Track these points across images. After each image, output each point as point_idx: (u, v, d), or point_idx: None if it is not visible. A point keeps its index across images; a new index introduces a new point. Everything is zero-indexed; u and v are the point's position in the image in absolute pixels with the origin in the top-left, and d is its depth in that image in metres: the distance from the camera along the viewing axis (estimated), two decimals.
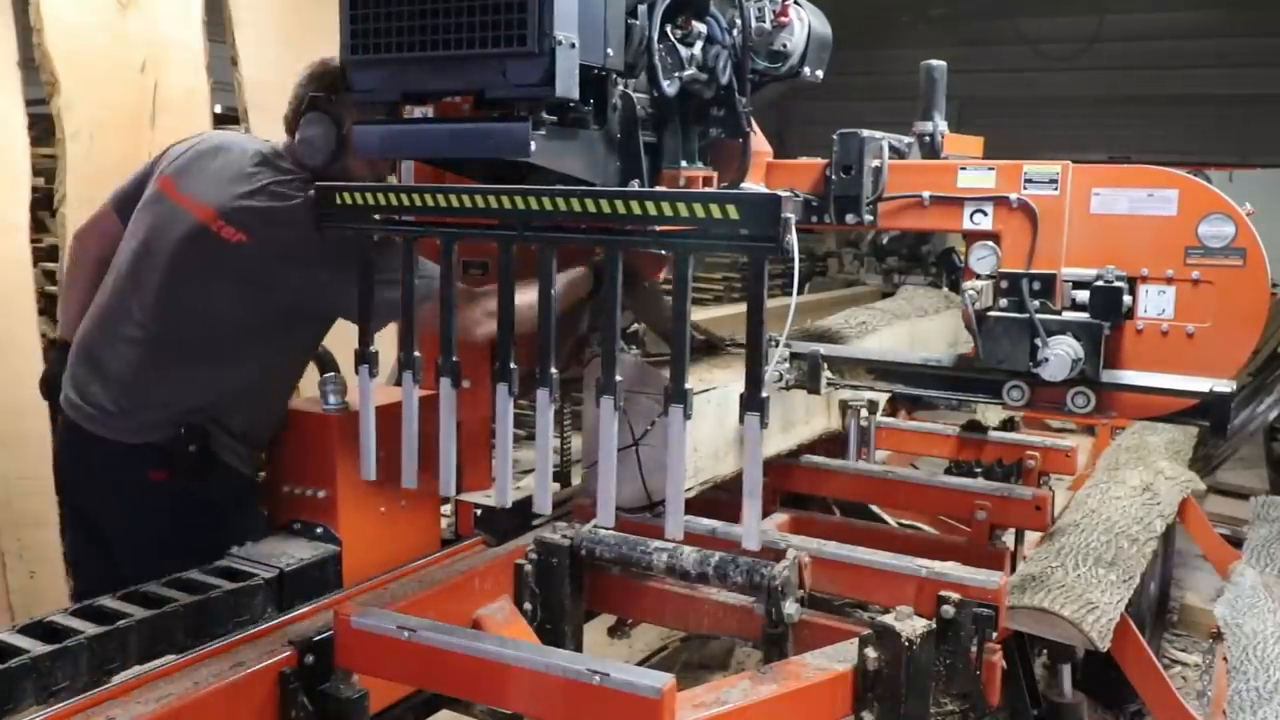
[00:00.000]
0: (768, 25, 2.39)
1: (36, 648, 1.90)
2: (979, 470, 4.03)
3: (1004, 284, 2.42)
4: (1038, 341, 2.35)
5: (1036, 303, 2.39)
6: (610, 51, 1.98)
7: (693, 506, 2.63)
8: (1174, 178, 2.37)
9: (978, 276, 2.45)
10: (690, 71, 2.19)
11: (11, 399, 4.15)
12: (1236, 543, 3.75)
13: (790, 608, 2.20)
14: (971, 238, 2.49)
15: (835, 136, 2.52)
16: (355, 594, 2.31)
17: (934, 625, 2.08)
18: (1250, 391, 6.51)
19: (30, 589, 4.05)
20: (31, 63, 4.45)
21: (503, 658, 1.82)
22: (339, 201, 2.14)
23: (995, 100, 11.64)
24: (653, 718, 1.68)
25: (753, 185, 2.53)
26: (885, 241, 10.53)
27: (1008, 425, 4.09)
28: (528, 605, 2.42)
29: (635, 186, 2.13)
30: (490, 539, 2.73)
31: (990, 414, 3.86)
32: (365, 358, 2.18)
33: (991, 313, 2.42)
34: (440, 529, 2.80)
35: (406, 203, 2.05)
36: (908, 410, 4.44)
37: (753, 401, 1.85)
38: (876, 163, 2.52)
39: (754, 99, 2.38)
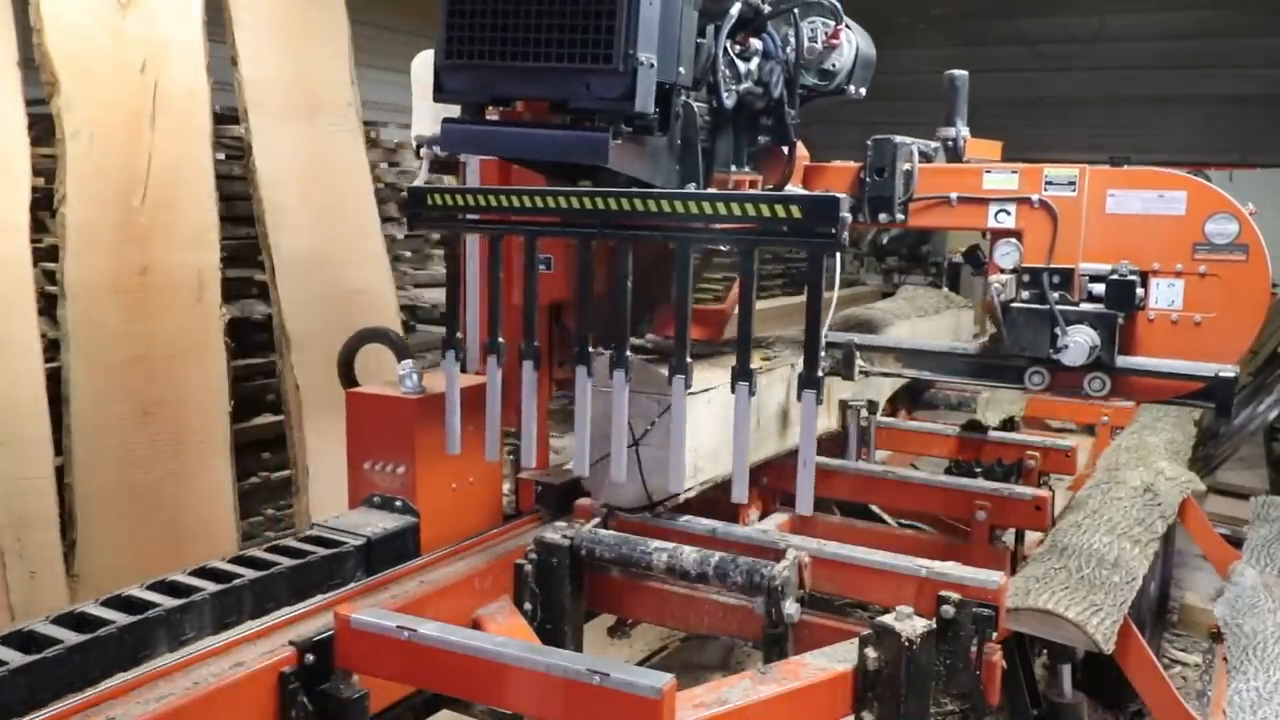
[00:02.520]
0: (819, 45, 2.63)
1: (167, 601, 2.16)
2: (979, 470, 4.02)
3: (1026, 277, 2.67)
4: (1057, 330, 2.59)
5: (1056, 295, 2.63)
6: (682, 70, 2.16)
7: (693, 506, 2.64)
8: (1183, 180, 2.60)
9: (1001, 271, 2.68)
10: (747, 85, 2.41)
11: (11, 399, 4.15)
12: (1236, 543, 3.75)
13: (790, 608, 2.20)
14: (995, 235, 2.71)
15: (870, 142, 2.76)
16: (355, 593, 2.31)
17: (934, 625, 2.08)
18: (1250, 391, 6.51)
19: (30, 589, 4.05)
20: (31, 63, 4.45)
21: (503, 658, 1.82)
22: (430, 202, 2.30)
23: (995, 100, 11.61)
24: (653, 718, 1.68)
25: (793, 188, 2.73)
26: (885, 242, 10.55)
27: (1008, 425, 4.08)
28: (528, 605, 2.42)
29: (692, 189, 2.30)
30: (546, 514, 2.87)
31: (990, 414, 3.86)
32: (452, 344, 2.35)
33: (1015, 304, 2.67)
34: (502, 504, 2.96)
35: (495, 203, 2.21)
36: (908, 410, 4.43)
37: (810, 380, 2.05)
38: (907, 166, 2.76)
39: (801, 111, 2.60)
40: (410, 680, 2.11)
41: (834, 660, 2.04)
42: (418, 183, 2.83)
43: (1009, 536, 3.15)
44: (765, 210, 2.01)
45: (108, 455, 4.49)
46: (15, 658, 1.89)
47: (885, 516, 3.56)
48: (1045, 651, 3.06)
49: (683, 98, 2.24)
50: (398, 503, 2.66)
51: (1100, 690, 3.43)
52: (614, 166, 2.10)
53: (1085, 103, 12.34)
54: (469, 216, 2.28)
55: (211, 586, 2.22)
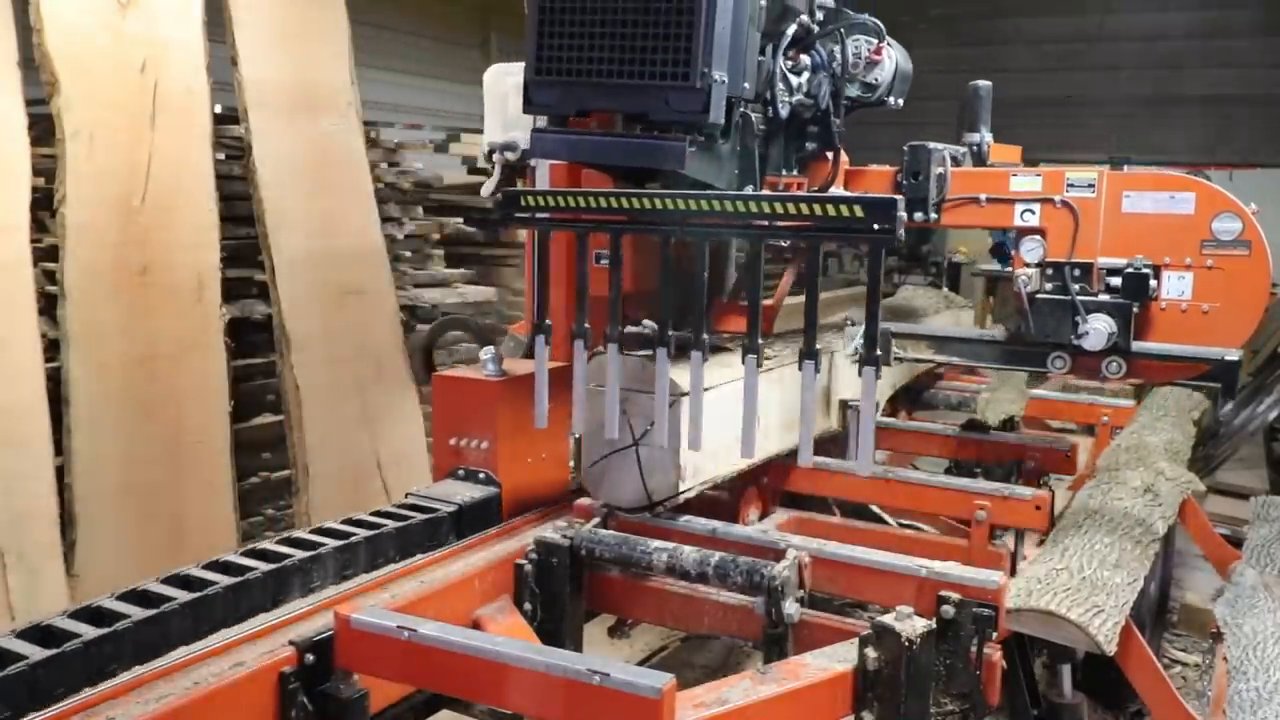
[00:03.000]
0: (863, 61, 2.92)
1: (297, 554, 2.43)
2: (979, 470, 4.02)
3: (1049, 271, 2.95)
4: (1078, 318, 2.88)
5: (1077, 286, 2.92)
6: (746, 85, 2.43)
7: (693, 506, 2.63)
8: (1191, 183, 2.88)
9: (1027, 265, 2.97)
10: (798, 97, 2.67)
11: (12, 399, 4.15)
12: (1236, 543, 3.75)
13: (790, 608, 2.20)
14: (1021, 233, 3.00)
15: (906, 148, 3.01)
16: (355, 593, 2.31)
17: (934, 625, 2.08)
18: (1250, 391, 6.51)
19: (30, 589, 4.05)
20: (31, 63, 4.45)
21: (503, 658, 1.82)
22: (523, 203, 2.52)
23: (995, 100, 11.63)
24: (653, 718, 1.68)
25: (836, 189, 2.98)
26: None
27: (1008, 425, 4.08)
28: (528, 605, 2.43)
29: (750, 190, 2.55)
30: None
31: (990, 414, 3.86)
32: (541, 329, 2.52)
33: (1039, 295, 2.95)
34: (569, 480, 3.17)
35: (584, 204, 2.44)
36: (908, 410, 4.43)
37: (870, 358, 2.29)
38: (940, 170, 3.00)
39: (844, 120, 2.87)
40: (410, 680, 2.11)
41: (834, 660, 2.04)
42: (489, 186, 3.22)
43: (1009, 536, 3.14)
44: (831, 210, 2.23)
45: (108, 455, 4.49)
46: (137, 612, 2.12)
47: (885, 516, 3.56)
48: (1045, 651, 3.06)
49: (742, 108, 2.47)
50: (481, 475, 2.92)
51: (1100, 690, 3.43)
52: (688, 172, 2.36)
53: (1085, 103, 12.35)
54: (541, 216, 2.52)
55: (332, 542, 2.49)
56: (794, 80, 2.65)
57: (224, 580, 2.29)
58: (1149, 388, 4.76)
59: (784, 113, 2.62)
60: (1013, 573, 2.78)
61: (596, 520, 2.60)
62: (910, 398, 4.44)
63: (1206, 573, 4.50)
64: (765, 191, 2.65)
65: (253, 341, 5.46)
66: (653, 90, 2.30)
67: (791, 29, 2.60)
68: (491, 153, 3.28)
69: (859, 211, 2.20)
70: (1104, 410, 4.24)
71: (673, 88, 2.28)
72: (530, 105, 2.52)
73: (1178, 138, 12.14)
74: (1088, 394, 4.69)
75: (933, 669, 2.06)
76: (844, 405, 3.35)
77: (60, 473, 4.32)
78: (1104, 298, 2.90)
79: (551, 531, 2.54)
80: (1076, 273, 2.94)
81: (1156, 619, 4.26)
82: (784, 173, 2.85)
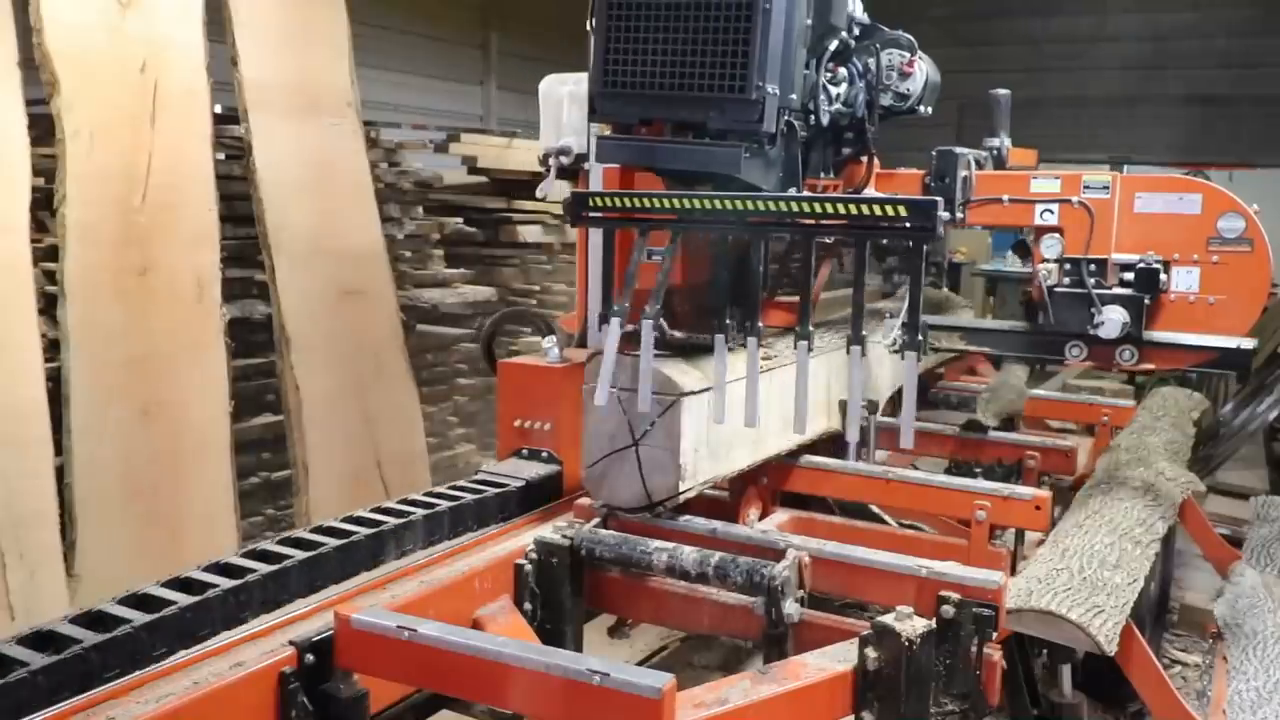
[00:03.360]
0: (896, 73, 3.13)
1: (391, 520, 2.64)
2: (979, 470, 4.02)
3: (1067, 266, 3.24)
4: (1094, 310, 3.17)
5: (1093, 280, 3.21)
6: (794, 96, 2.64)
7: (693, 506, 2.64)
8: (1198, 185, 3.20)
9: (1046, 260, 3.26)
10: (836, 106, 2.89)
11: (12, 399, 4.15)
12: (1236, 543, 3.75)
13: (790, 608, 2.20)
14: (1040, 231, 3.28)
15: (934, 152, 3.29)
16: (355, 593, 2.31)
17: (934, 625, 2.07)
18: (1250, 391, 6.51)
19: (30, 589, 4.05)
20: (31, 63, 4.45)
21: (503, 658, 1.82)
22: (592, 203, 2.71)
23: None
24: (653, 718, 1.68)
25: (869, 191, 3.19)
26: (885, 241, 10.55)
27: (1007, 425, 4.08)
28: (528, 605, 2.43)
29: (793, 192, 2.73)
30: None
31: (990, 414, 3.85)
32: (614, 313, 2.64)
33: (1058, 289, 3.25)
34: None
35: (650, 204, 2.63)
36: None
37: (912, 342, 2.50)
38: (965, 173, 3.27)
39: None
40: (410, 680, 2.11)
41: (834, 660, 2.04)
42: (544, 187, 3.54)
43: (1009, 536, 3.14)
44: (878, 210, 2.43)
45: (108, 455, 4.49)
46: (182, 598, 2.17)
47: (885, 516, 3.56)
48: (1045, 651, 3.06)
49: (787, 117, 2.66)
50: (544, 454, 3.12)
51: (1100, 690, 3.43)
52: (741, 175, 2.56)
53: (1085, 103, 12.35)
54: (591, 214, 2.74)
55: (419, 511, 2.70)
56: (833, 91, 2.87)
57: (332, 542, 2.52)
58: (1149, 388, 4.77)
59: (824, 121, 2.84)
60: (1013, 573, 2.79)
61: (596, 520, 2.60)
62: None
63: (1206, 573, 4.50)
64: (807, 193, 2.83)
65: (253, 341, 5.46)
66: (712, 101, 2.53)
67: (833, 44, 2.84)
68: (546, 156, 3.52)
69: (903, 211, 2.40)
70: (1104, 410, 4.24)
71: (730, 99, 2.51)
72: (596, 114, 2.78)
73: (1177, 138, 12.14)
74: (1088, 394, 4.69)
75: (933, 669, 2.06)
76: (844, 405, 3.35)
77: (60, 473, 4.32)
78: (1118, 291, 3.18)
79: (551, 531, 2.54)
80: (1092, 268, 3.22)
81: (1156, 619, 4.26)
82: (822, 176, 3.07)
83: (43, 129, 4.47)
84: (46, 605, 4.06)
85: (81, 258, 4.46)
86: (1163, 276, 3.15)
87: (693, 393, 2.50)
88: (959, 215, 3.24)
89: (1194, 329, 3.18)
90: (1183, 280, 3.19)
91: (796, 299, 3.17)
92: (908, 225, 2.40)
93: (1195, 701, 3.53)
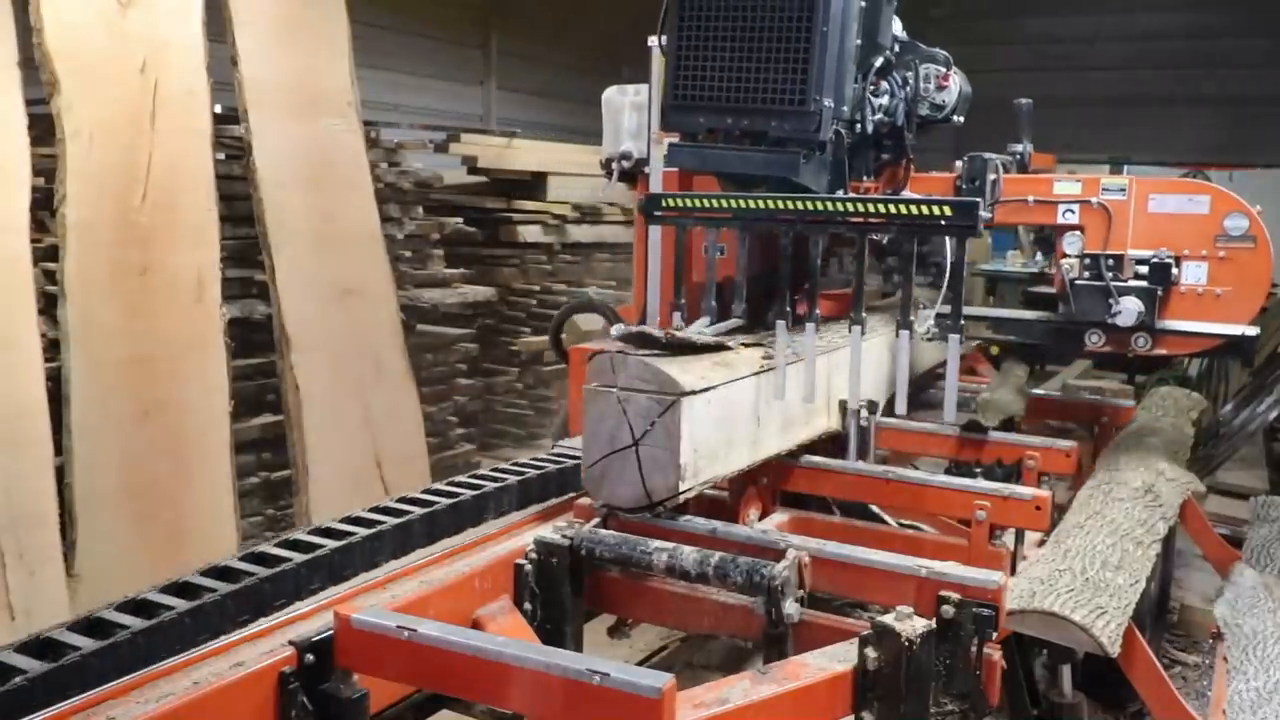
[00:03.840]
0: (933, 86, 3.45)
1: (489, 484, 2.98)
2: (979, 470, 4.02)
3: (1087, 261, 3.55)
4: (1112, 300, 3.48)
5: (1110, 274, 3.51)
6: (845, 109, 2.98)
7: (693, 506, 2.63)
8: (1206, 188, 3.56)
9: (1067, 255, 3.59)
10: (879, 116, 3.19)
11: (12, 399, 4.15)
12: (1236, 543, 3.75)
13: (790, 608, 2.20)
14: (1062, 229, 3.62)
15: (965, 157, 3.59)
16: (356, 593, 2.31)
17: (934, 625, 2.07)
18: (1250, 391, 6.51)
19: (30, 589, 4.05)
20: (31, 63, 4.45)
21: (503, 658, 1.82)
22: (665, 204, 3.05)
23: (995, 101, 11.63)
24: (653, 718, 1.68)
25: (906, 193, 3.48)
26: (885, 241, 10.55)
27: (1008, 425, 4.08)
28: (528, 605, 2.42)
29: (840, 194, 3.00)
30: None
31: (990, 414, 3.85)
32: (678, 306, 3.11)
33: (1078, 281, 3.55)
34: None
35: (717, 205, 2.95)
36: (908, 410, 4.42)
37: (955, 328, 2.79)
38: (994, 176, 3.56)
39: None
40: (410, 680, 2.10)
41: (834, 660, 2.03)
42: (606, 190, 4.08)
43: (1009, 536, 3.14)
44: (926, 210, 2.74)
45: (108, 455, 4.49)
46: (223, 586, 2.33)
47: (885, 516, 3.55)
48: (1045, 651, 3.05)
49: (836, 126, 2.96)
50: None
51: (1100, 690, 3.43)
52: (798, 179, 2.88)
53: (1085, 103, 12.34)
54: (663, 213, 3.08)
55: (490, 484, 2.97)
56: (876, 102, 3.18)
57: (416, 511, 2.77)
58: (1149, 388, 4.77)
59: (869, 129, 3.15)
60: (1013, 572, 2.78)
61: (596, 520, 2.60)
62: (910, 398, 4.43)
63: (1206, 573, 4.50)
64: (852, 194, 3.13)
65: (253, 341, 5.46)
66: (774, 113, 2.86)
67: (878, 61, 3.16)
68: (609, 161, 3.89)
69: (948, 211, 2.72)
70: (1104, 410, 4.23)
71: (790, 111, 2.85)
72: (666, 125, 3.11)
73: (1178, 138, 12.14)
74: (1088, 394, 4.69)
75: (933, 669, 2.06)
76: (843, 405, 3.35)
77: (60, 473, 4.32)
78: (1133, 283, 3.49)
79: (551, 531, 2.53)
80: (1110, 262, 3.53)
81: (1156, 619, 4.25)
82: (864, 179, 3.34)
83: (43, 129, 4.47)
84: (46, 605, 4.06)
85: (81, 258, 4.47)
86: (1174, 270, 3.46)
87: (693, 392, 2.50)
88: (987, 215, 3.44)
89: (1203, 318, 3.49)
90: (1192, 274, 3.49)
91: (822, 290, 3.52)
92: (952, 223, 2.71)
93: (1195, 701, 3.53)
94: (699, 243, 3.34)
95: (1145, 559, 2.79)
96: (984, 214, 2.69)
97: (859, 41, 3.01)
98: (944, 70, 3.47)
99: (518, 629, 2.31)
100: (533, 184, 8.73)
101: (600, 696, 1.71)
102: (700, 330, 3.04)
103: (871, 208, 2.80)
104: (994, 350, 5.27)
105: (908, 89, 3.31)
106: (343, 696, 2.01)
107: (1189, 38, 11.85)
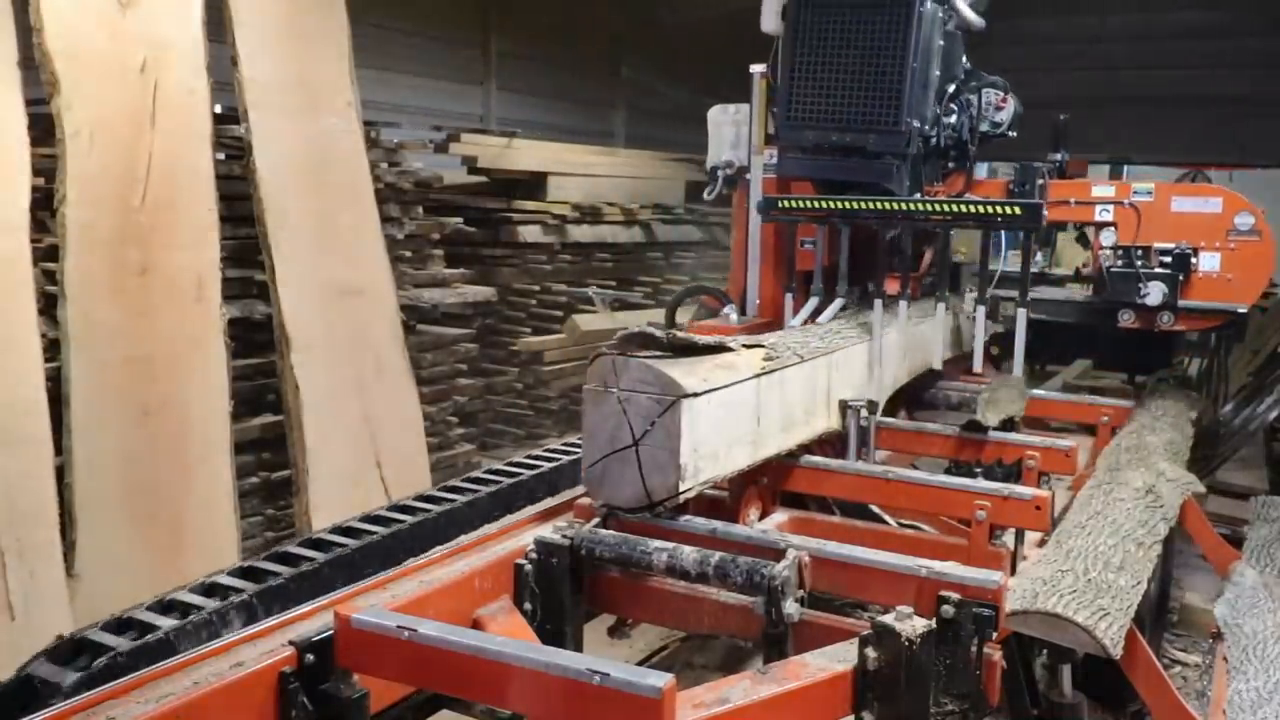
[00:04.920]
0: (992, 107, 4.13)
1: (548, 463, 3.56)
2: (979, 470, 4.02)
3: (1120, 251, 4.40)
4: (1140, 285, 4.33)
5: (1139, 262, 4.36)
6: (926, 127, 3.77)
7: (693, 506, 2.63)
8: (1220, 191, 4.38)
9: (1103, 247, 4.43)
10: (948, 131, 3.95)
11: (12, 399, 4.15)
12: (1236, 543, 3.74)
13: (790, 608, 2.20)
14: (1099, 226, 4.46)
15: (1016, 165, 4.38)
16: (356, 594, 2.31)
17: (934, 625, 2.07)
18: (1250, 391, 6.50)
19: (30, 588, 4.05)
20: (31, 63, 4.45)
21: (503, 658, 1.82)
22: (779, 205, 3.90)
23: None
24: (653, 718, 1.68)
25: (969, 195, 4.31)
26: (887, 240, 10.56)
27: (1008, 425, 4.07)
28: (528, 605, 2.42)
29: (929, 196, 3.82)
30: None
31: (990, 414, 3.85)
32: (789, 289, 4.20)
33: (1113, 269, 4.40)
34: None
35: (823, 206, 3.76)
36: (908, 410, 4.43)
37: (1023, 302, 3.86)
38: (1041, 181, 4.31)
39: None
40: (410, 680, 2.10)
41: (834, 660, 2.03)
42: (711, 191, 4.69)
43: (1009, 536, 3.14)
44: (1000, 210, 3.59)
45: (108, 455, 4.49)
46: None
47: (885, 516, 3.55)
48: (1045, 651, 3.05)
49: (918, 141, 3.72)
50: None
51: (1100, 690, 3.43)
52: (891, 185, 3.67)
53: (1085, 103, 12.33)
54: (779, 211, 3.92)
55: (548, 466, 3.40)
56: (947, 121, 3.89)
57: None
58: (1149, 388, 4.78)
59: (940, 143, 3.89)
60: (1013, 572, 2.78)
61: (596, 520, 2.60)
62: (910, 398, 4.43)
63: (1206, 573, 4.50)
64: (941, 196, 3.98)
65: (253, 341, 5.46)
66: (871, 131, 3.65)
67: (950, 88, 3.91)
68: (715, 169, 4.67)
69: (1018, 210, 3.56)
70: (1104, 410, 4.23)
71: (885, 130, 3.63)
72: (781, 141, 3.94)
73: (1178, 138, 12.12)
74: (1088, 394, 4.69)
75: (933, 669, 2.06)
76: (844, 405, 3.35)
77: (60, 473, 4.32)
78: (1158, 270, 4.30)
79: (551, 531, 2.53)
80: (1139, 253, 4.35)
81: (1156, 619, 4.25)
82: (935, 184, 4.10)
83: (43, 129, 4.47)
84: (46, 605, 4.06)
85: (81, 258, 4.47)
86: (1192, 260, 4.26)
87: (694, 394, 2.50)
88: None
89: (1216, 298, 4.29)
90: (1207, 262, 4.28)
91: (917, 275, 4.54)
92: (1021, 221, 3.60)
93: (1195, 701, 3.52)
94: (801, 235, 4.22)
95: (1147, 560, 2.79)
96: (1045, 212, 3.53)
97: (937, 73, 3.76)
98: (1002, 94, 4.14)
99: (518, 629, 2.31)
100: (533, 184, 8.73)
101: (600, 696, 1.71)
102: (807, 313, 3.95)
103: (957, 208, 3.61)
104: (994, 350, 5.28)
105: (972, 110, 4.01)
106: (343, 696, 2.01)
107: (1189, 38, 11.83)
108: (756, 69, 4.26)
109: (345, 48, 5.79)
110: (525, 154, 8.76)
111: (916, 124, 3.58)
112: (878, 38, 3.60)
